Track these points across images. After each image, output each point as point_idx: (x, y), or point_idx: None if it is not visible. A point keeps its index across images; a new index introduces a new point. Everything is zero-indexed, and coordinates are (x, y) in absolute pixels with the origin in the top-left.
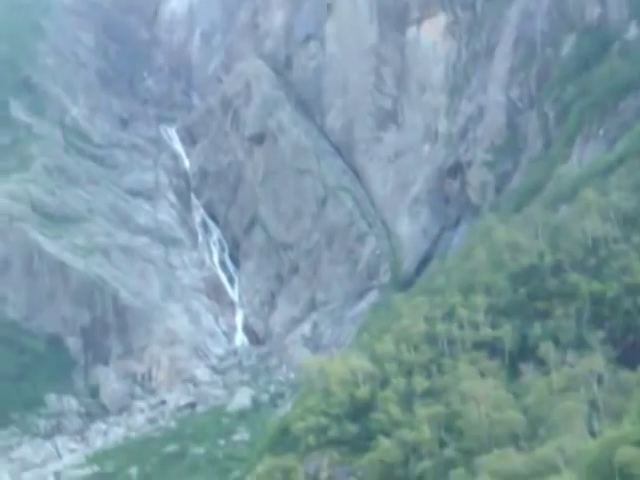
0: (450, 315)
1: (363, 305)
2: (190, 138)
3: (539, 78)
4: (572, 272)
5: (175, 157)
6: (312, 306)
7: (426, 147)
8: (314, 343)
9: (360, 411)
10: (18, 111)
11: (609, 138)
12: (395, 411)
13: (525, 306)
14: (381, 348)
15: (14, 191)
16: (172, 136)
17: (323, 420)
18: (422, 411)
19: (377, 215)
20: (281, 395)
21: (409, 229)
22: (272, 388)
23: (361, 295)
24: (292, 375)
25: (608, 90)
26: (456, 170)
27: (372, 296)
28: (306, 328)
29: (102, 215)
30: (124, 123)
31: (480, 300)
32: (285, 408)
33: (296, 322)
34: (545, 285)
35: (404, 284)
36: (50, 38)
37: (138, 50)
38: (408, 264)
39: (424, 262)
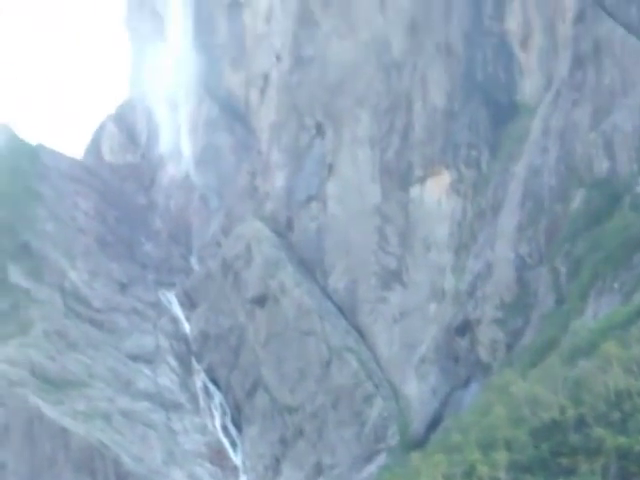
0: (470, 473)
1: (371, 468)
2: (190, 302)
3: (548, 233)
4: (596, 427)
5: (175, 321)
6: (318, 471)
7: (432, 306)
8: None
9: None
10: (17, 276)
11: (625, 292)
12: None
13: (548, 462)
14: None
15: (13, 356)
16: (171, 300)
17: None
18: None
19: (384, 376)
20: None
21: (417, 389)
22: None
23: (369, 458)
24: None
25: (621, 244)
26: (465, 328)
27: (380, 459)
28: None
29: (103, 380)
30: (123, 287)
31: (501, 457)
32: None
33: None
34: (568, 440)
35: (413, 445)
36: (48, 204)
37: (136, 215)
38: (417, 425)
39: (434, 423)
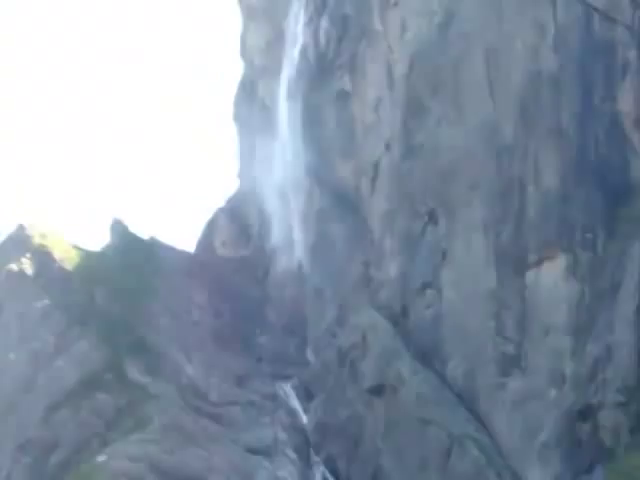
0: None
1: None
2: (306, 394)
3: None
4: None
5: (292, 413)
6: None
7: (552, 391)
8: None
9: None
10: (134, 372)
11: None
12: None
13: None
14: None
15: (132, 452)
16: (288, 392)
17: None
18: None
19: (505, 463)
20: None
21: (540, 476)
22: None
23: None
24: None
25: None
26: (586, 413)
27: None
28: None
29: (222, 473)
30: (240, 380)
31: None
32: None
33: None
34: None
35: None
36: (163, 298)
37: (250, 308)
38: None
39: None
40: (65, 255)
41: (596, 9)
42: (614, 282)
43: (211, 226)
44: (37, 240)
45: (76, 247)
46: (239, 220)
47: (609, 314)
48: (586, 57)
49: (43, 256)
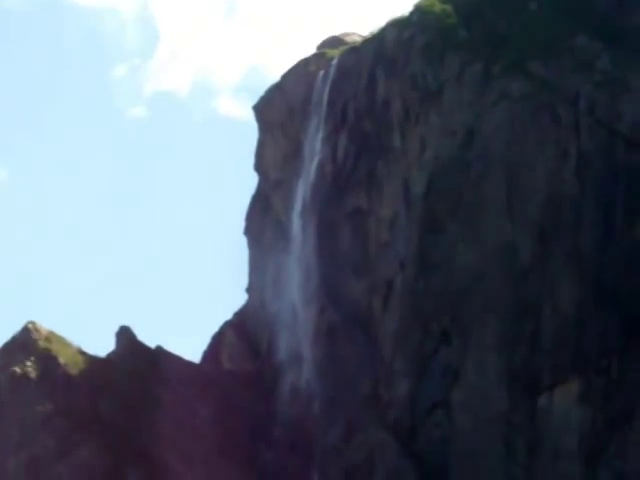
0: None
1: None
2: None
3: None
4: None
5: None
6: None
7: None
8: None
9: None
10: None
11: None
12: None
13: None
14: None
15: None
16: None
17: None
18: None
19: None
20: None
21: None
22: None
23: None
24: None
25: None
26: None
27: None
28: None
29: None
30: None
31: None
32: None
33: None
34: None
35: None
36: (167, 409)
37: (256, 423)
38: None
39: None
40: (70, 360)
41: (620, 134)
42: (627, 408)
43: (218, 339)
44: (42, 344)
45: (81, 352)
46: (247, 335)
47: (621, 440)
48: (608, 181)
49: (48, 360)
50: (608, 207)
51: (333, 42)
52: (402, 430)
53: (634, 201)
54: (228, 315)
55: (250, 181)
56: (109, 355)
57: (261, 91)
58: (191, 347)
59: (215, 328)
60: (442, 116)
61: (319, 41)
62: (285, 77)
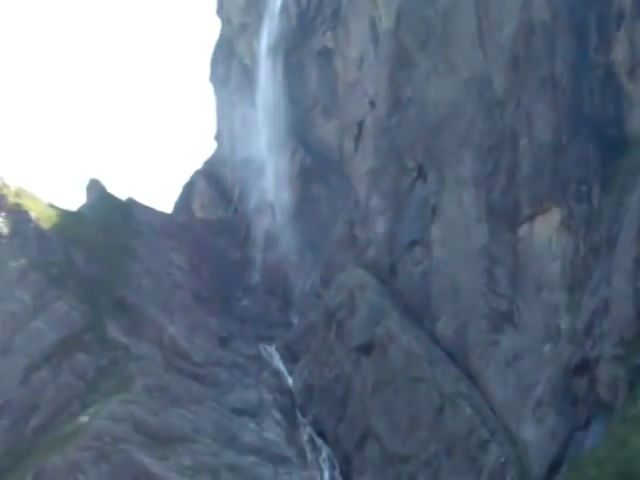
0: None
1: None
2: (291, 355)
3: None
4: None
5: (277, 374)
6: None
7: (547, 346)
8: None
9: None
10: (115, 332)
11: None
12: None
13: None
14: None
15: (116, 412)
16: (272, 354)
17: None
18: None
19: (499, 421)
20: None
21: (535, 433)
22: None
23: None
24: None
25: None
26: (583, 368)
27: None
28: None
29: (207, 434)
30: (223, 342)
31: None
32: None
33: None
34: None
35: None
36: (142, 259)
37: (231, 270)
38: (537, 470)
39: (554, 467)
40: (41, 214)
41: None
42: (610, 234)
43: (189, 188)
44: (12, 199)
45: (52, 206)
46: (217, 183)
47: (605, 267)
48: (580, 6)
49: (19, 215)
50: (581, 32)
51: None
52: (381, 269)
53: (607, 25)
54: (198, 165)
55: (213, 28)
56: (80, 208)
57: None
58: (162, 198)
59: (186, 178)
60: None
61: None
62: None
